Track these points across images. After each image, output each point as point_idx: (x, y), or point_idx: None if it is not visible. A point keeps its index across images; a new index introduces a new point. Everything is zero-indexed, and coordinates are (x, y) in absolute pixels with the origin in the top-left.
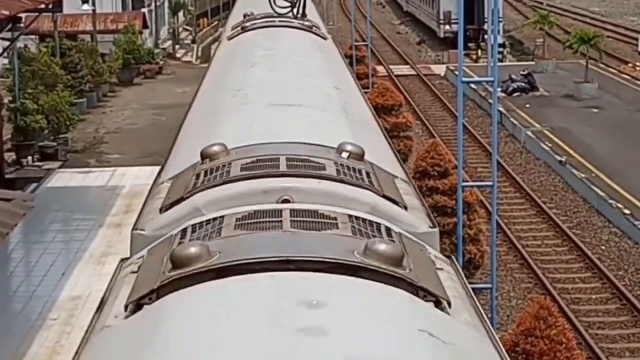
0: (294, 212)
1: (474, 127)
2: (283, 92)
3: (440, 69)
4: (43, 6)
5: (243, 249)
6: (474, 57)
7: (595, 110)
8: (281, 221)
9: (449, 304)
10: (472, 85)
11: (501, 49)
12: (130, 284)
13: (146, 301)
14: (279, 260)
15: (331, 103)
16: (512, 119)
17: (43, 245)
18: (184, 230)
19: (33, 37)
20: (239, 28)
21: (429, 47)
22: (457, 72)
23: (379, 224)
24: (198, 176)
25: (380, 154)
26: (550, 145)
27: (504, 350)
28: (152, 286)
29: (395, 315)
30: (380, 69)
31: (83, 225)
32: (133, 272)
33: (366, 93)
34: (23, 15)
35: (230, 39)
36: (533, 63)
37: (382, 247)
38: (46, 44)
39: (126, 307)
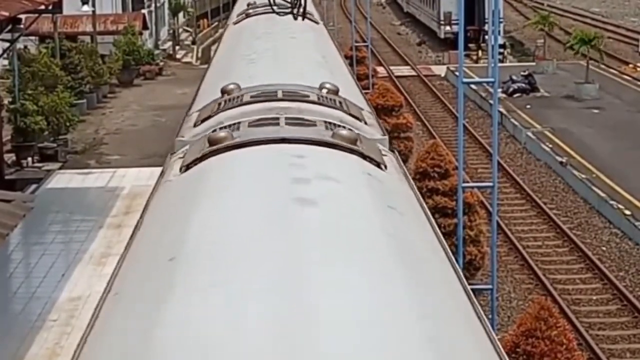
0: (287, 118)
1: (475, 127)
2: (282, 53)
3: (440, 70)
4: (43, 7)
5: (254, 134)
6: (474, 57)
7: (596, 111)
8: (278, 122)
9: (385, 167)
10: (473, 86)
11: (501, 50)
12: (180, 160)
13: (193, 165)
14: (278, 138)
15: (316, 58)
16: (512, 120)
17: (43, 246)
18: (214, 130)
19: (33, 38)
20: (243, 14)
21: (429, 47)
22: (457, 73)
23: (344, 126)
24: (220, 104)
25: (352, 93)
26: (550, 145)
27: (418, 193)
28: (197, 155)
29: (349, 165)
30: (380, 69)
31: (83, 226)
32: (180, 157)
33: (367, 94)
34: (23, 16)
35: (235, 23)
36: (533, 64)
37: (344, 132)
38: (46, 44)
39: (180, 169)
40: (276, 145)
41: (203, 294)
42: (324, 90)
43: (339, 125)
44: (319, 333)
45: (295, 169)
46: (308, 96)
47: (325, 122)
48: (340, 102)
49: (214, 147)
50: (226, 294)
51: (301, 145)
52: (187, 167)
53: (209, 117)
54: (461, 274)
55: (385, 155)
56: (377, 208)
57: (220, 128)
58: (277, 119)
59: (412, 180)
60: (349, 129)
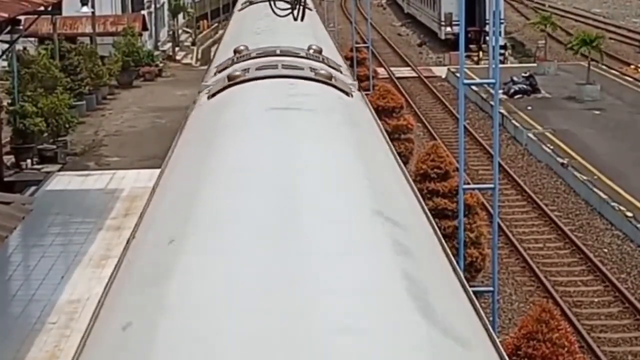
0: (284, 64)
1: (475, 129)
2: (280, 27)
3: (441, 71)
4: (42, 8)
5: (260, 73)
6: (475, 58)
7: (597, 112)
8: (277, 67)
9: (352, 95)
10: (473, 87)
11: (502, 51)
12: (207, 92)
13: (217, 93)
14: (278, 75)
15: (306, 30)
16: (513, 121)
17: (42, 248)
18: (230, 73)
19: (32, 39)
20: (247, 2)
21: (430, 48)
22: (458, 74)
23: (325, 70)
24: (233, 59)
25: (332, 54)
26: (551, 147)
27: (376, 116)
28: (219, 87)
29: (326, 91)
30: (380, 70)
31: (82, 228)
32: (206, 91)
33: (367, 95)
34: (22, 17)
35: (240, 10)
36: (534, 65)
37: (323, 72)
38: (45, 46)
39: (208, 97)
40: (276, 80)
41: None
42: (311, 50)
43: (322, 70)
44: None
45: (290, 94)
46: (299, 53)
47: (311, 69)
48: (322, 58)
49: (232, 82)
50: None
51: (293, 80)
52: (213, 95)
53: (226, 67)
54: (462, 275)
55: (353, 90)
56: (345, 121)
57: (235, 71)
58: (276, 65)
59: (372, 108)
60: (327, 70)
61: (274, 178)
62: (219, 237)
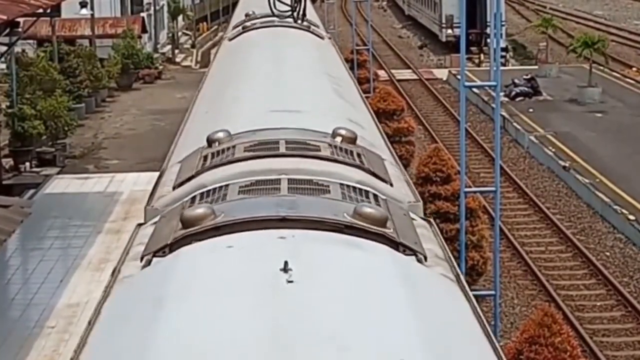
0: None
1: (477, 131)
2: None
3: (442, 73)
4: (41, 10)
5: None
6: (476, 61)
7: (599, 115)
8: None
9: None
10: (475, 90)
11: (504, 53)
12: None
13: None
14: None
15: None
16: (515, 124)
17: (41, 252)
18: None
19: (31, 41)
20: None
21: (431, 51)
22: (459, 76)
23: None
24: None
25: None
26: (553, 150)
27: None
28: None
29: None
30: (381, 73)
31: (81, 231)
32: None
33: (367, 97)
34: (21, 20)
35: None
36: (536, 67)
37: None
38: (44, 48)
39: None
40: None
41: None
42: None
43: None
44: None
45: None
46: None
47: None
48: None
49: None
50: None
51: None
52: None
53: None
54: (463, 279)
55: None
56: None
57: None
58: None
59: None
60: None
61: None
62: None
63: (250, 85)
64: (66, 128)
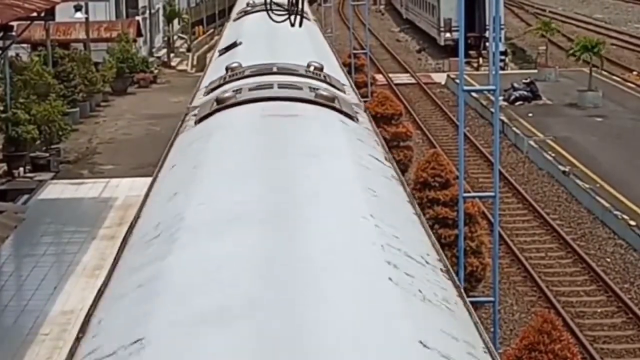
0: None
1: (475, 136)
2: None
3: (440, 77)
4: (35, 14)
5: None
6: (475, 65)
7: (599, 119)
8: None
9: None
10: (473, 94)
11: (503, 57)
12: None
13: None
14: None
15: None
16: (514, 128)
17: (34, 258)
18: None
19: (25, 45)
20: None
21: (429, 55)
22: (457, 81)
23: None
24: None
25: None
26: (553, 154)
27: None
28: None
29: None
30: (379, 77)
31: (75, 237)
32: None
33: (365, 102)
34: (15, 24)
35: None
36: (535, 71)
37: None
38: (38, 52)
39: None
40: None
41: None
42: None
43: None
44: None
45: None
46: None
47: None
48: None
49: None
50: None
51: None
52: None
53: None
54: (460, 285)
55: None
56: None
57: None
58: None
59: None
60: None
61: None
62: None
63: (253, 40)
64: (60, 133)
